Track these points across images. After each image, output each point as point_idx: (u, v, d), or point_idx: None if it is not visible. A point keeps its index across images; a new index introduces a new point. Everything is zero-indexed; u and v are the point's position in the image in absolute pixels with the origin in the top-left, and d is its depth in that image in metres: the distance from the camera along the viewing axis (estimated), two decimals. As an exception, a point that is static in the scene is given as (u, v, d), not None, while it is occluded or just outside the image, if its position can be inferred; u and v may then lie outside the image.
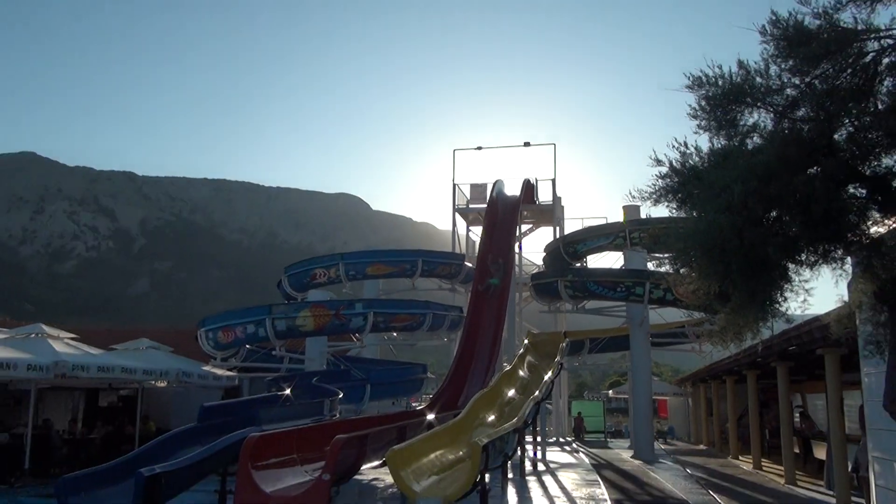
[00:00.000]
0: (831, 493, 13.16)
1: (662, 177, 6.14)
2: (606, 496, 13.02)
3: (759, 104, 5.70)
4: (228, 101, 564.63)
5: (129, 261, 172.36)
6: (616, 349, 29.32)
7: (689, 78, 5.86)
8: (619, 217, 26.50)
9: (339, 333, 22.36)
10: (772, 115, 5.74)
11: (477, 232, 28.38)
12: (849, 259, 5.70)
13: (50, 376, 14.04)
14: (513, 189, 27.61)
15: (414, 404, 25.12)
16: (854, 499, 11.94)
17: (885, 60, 5.27)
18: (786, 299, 5.82)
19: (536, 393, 15.00)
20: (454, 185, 29.71)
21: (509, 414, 14.26)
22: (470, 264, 25.89)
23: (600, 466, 18.92)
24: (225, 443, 10.84)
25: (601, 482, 14.99)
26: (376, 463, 11.77)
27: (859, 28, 5.20)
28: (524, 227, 28.74)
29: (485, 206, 26.63)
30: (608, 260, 26.40)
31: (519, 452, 14.79)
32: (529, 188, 27.84)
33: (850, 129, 5.44)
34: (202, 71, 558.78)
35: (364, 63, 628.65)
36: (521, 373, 17.96)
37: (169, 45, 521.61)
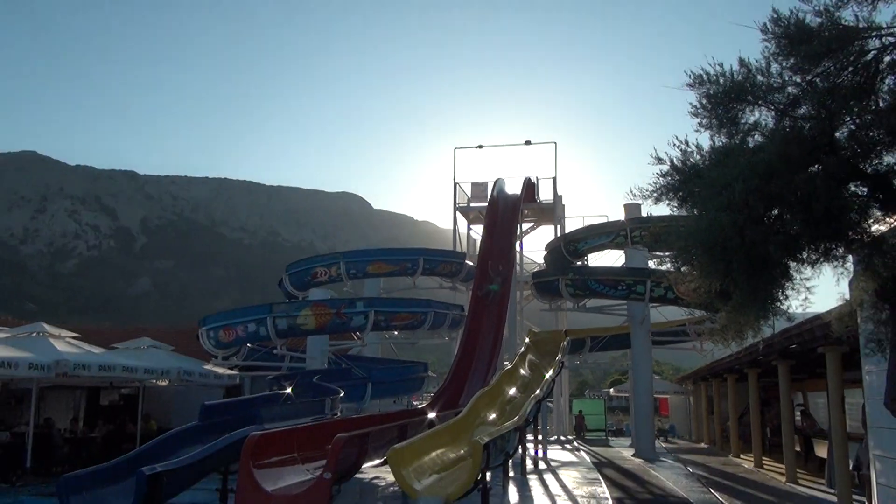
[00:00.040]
0: (832, 491, 13.15)
1: (663, 175, 6.13)
2: (607, 494, 13.02)
3: (760, 102, 5.69)
4: (229, 101, 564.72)
5: (130, 260, 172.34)
6: (617, 347, 29.35)
7: (689, 76, 5.85)
8: (620, 215, 26.52)
9: (341, 332, 22.39)
10: (773, 113, 5.73)
11: (478, 230, 28.39)
12: (850, 257, 5.69)
13: (51, 375, 14.07)
14: (514, 187, 27.63)
15: (415, 403, 25.14)
16: (855, 497, 11.93)
17: (887, 58, 5.26)
18: (787, 297, 5.81)
19: (537, 391, 15.00)
20: (455, 183, 29.74)
21: (510, 412, 14.27)
22: (471, 263, 25.89)
23: (601, 465, 18.92)
24: (226, 441, 10.85)
25: (602, 480, 15.00)
26: (377, 462, 11.78)
27: (861, 26, 5.19)
28: (525, 226, 28.74)
29: (486, 204, 26.64)
30: (609, 258, 26.38)
31: (520, 451, 14.80)
32: (530, 186, 27.85)
33: (852, 127, 5.43)
34: (203, 70, 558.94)
35: (364, 61, 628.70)
36: (522, 371, 17.96)
37: (170, 44, 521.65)
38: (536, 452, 18.88)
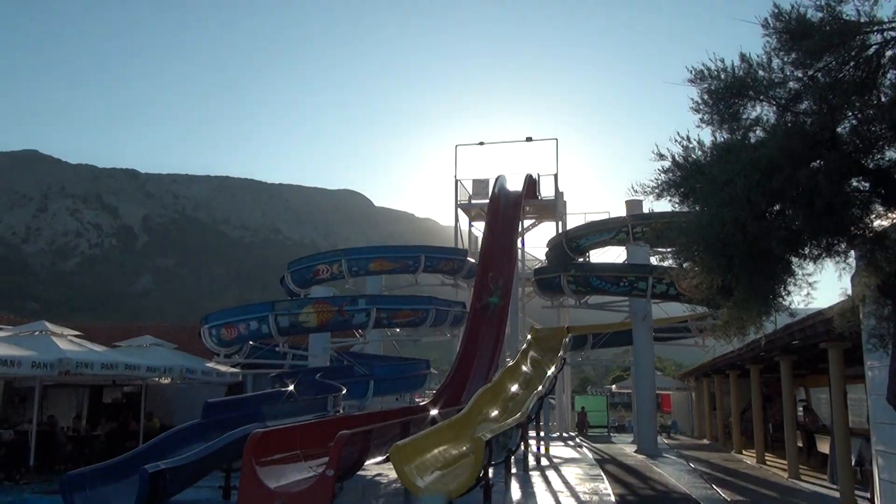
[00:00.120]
0: (835, 486, 13.15)
1: (665, 171, 6.12)
2: (610, 491, 13.02)
3: (761, 98, 5.68)
4: (230, 98, 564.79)
5: (132, 258, 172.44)
6: (619, 344, 29.29)
7: (691, 72, 5.84)
8: (621, 212, 26.47)
9: (343, 329, 22.40)
10: (774, 108, 5.72)
11: (479, 227, 28.38)
12: (852, 252, 5.68)
13: (54, 373, 14.11)
14: (515, 184, 27.60)
15: (417, 400, 25.15)
16: (858, 493, 11.93)
17: (889, 53, 5.24)
18: (789, 293, 5.82)
19: (539, 388, 15.01)
20: (456, 180, 29.70)
21: (512, 409, 14.28)
22: (472, 260, 25.88)
23: (604, 461, 18.92)
24: (229, 439, 10.90)
25: (605, 477, 14.99)
26: (380, 458, 11.80)
27: (862, 20, 5.17)
28: (526, 223, 28.71)
29: (487, 201, 26.59)
30: (611, 255, 26.34)
31: (522, 447, 14.80)
32: (532, 183, 27.81)
33: (853, 122, 5.42)
34: (204, 68, 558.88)
35: (365, 59, 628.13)
36: (524, 368, 17.97)
37: (170, 42, 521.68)
38: (539, 449, 18.88)
